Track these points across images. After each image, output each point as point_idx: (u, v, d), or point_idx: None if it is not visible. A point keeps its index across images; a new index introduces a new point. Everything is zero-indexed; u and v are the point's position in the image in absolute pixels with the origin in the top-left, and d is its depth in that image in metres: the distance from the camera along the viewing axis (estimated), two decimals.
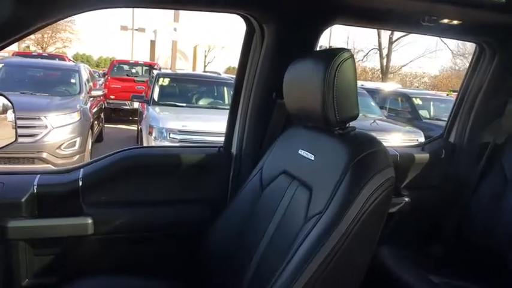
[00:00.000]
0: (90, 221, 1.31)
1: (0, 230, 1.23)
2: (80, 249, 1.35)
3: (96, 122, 6.20)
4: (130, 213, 1.39)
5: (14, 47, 22.34)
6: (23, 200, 1.25)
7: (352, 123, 1.06)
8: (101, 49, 30.44)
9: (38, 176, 1.32)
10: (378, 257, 1.58)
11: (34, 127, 4.59)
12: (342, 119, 1.01)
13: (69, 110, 5.04)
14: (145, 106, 5.99)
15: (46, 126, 4.65)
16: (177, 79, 6.62)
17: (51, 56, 12.51)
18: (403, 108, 8.09)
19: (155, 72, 7.05)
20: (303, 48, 1.31)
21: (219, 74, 8.59)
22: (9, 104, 1.45)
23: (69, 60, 12.80)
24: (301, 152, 1.09)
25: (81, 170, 1.37)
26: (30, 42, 27.05)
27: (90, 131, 5.49)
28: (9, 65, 6.14)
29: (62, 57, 12.63)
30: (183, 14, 14.22)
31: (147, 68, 11.64)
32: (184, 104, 5.88)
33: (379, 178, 0.93)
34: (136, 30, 22.41)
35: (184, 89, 6.50)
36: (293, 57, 1.17)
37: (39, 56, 11.42)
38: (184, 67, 21.06)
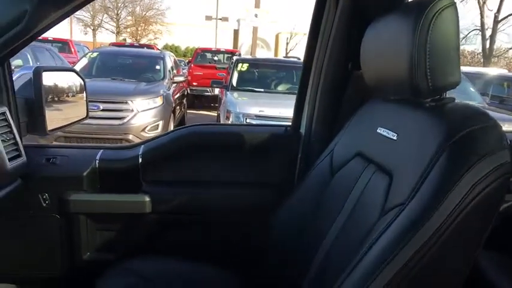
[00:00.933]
0: (148, 199, 1.28)
1: (62, 203, 1.24)
2: (138, 227, 1.31)
3: (178, 107, 6.42)
4: (189, 193, 1.32)
5: (111, 39, 24.49)
6: (85, 174, 1.25)
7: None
8: (188, 40, 31.90)
9: (101, 151, 1.32)
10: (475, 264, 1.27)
11: (121, 110, 4.87)
12: (435, 87, 0.77)
13: (153, 95, 5.25)
14: (224, 92, 6.03)
15: (132, 110, 4.90)
16: (256, 64, 6.54)
17: (141, 46, 13.36)
18: (509, 95, 7.07)
19: (235, 58, 7.05)
20: (386, 6, 1.05)
21: (299, 58, 8.33)
22: (81, 81, 1.45)
23: (157, 49, 13.52)
24: (380, 130, 0.89)
25: (141, 146, 1.33)
26: (126, 35, 29.48)
27: (172, 115, 5.68)
28: (104, 54, 6.63)
29: (150, 46, 13.42)
30: (264, 1, 14.18)
31: (228, 55, 11.83)
32: (262, 90, 5.78)
33: (490, 162, 0.68)
34: (220, 19, 23.00)
35: (263, 75, 6.41)
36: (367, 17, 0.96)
37: (131, 45, 12.25)
38: (266, 56, 21.14)
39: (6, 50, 0.98)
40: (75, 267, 1.29)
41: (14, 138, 1.08)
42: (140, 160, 1.29)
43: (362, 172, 0.92)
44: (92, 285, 1.03)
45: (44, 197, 1.23)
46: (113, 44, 11.80)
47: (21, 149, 1.10)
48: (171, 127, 5.63)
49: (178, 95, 6.47)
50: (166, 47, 31.64)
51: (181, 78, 6.84)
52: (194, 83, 10.06)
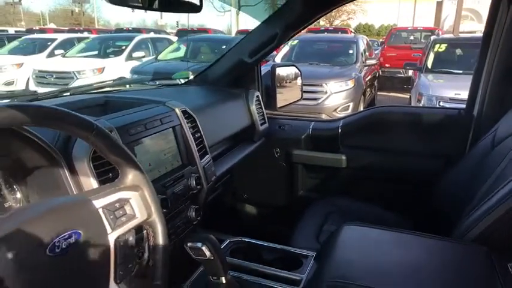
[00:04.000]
0: (344, 157, 1.74)
1: (287, 155, 1.84)
2: (336, 176, 1.80)
3: (368, 89, 6.63)
4: (374, 156, 1.71)
5: None
6: (303, 137, 1.80)
7: None
8: (382, 17, 30.69)
9: (313, 122, 1.84)
10: None
11: (316, 92, 5.44)
12: None
13: (346, 78, 5.64)
14: (417, 73, 5.89)
15: (326, 92, 5.42)
16: (456, 44, 6.08)
17: (335, 29, 13.80)
18: None
19: (432, 37, 6.70)
20: None
21: None
22: (299, 73, 1.98)
23: (351, 32, 13.71)
24: None
25: (341, 120, 1.80)
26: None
27: (362, 97, 5.97)
28: (303, 41, 7.35)
29: (344, 30, 13.71)
30: None
31: (427, 33, 11.06)
32: (460, 71, 5.40)
33: None
34: None
35: (464, 55, 5.91)
36: None
37: (326, 30, 12.84)
38: (475, 29, 18.29)
39: (262, 58, 1.56)
40: (293, 199, 1.87)
41: (263, 112, 1.67)
42: (339, 130, 1.76)
43: None
44: (302, 213, 1.52)
45: (277, 150, 1.84)
46: (309, 30, 12.63)
47: (266, 118, 1.69)
48: (361, 108, 5.92)
49: (369, 77, 6.67)
50: (359, 27, 31.32)
51: (373, 61, 6.99)
52: (387, 65, 9.93)
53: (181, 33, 13.51)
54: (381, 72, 9.00)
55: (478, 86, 1.52)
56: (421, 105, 4.79)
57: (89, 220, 0.55)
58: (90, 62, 7.90)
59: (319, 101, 5.40)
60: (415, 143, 1.64)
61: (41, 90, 5.92)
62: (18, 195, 0.74)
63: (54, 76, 7.40)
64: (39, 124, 0.54)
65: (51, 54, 9.10)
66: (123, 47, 8.50)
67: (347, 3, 1.48)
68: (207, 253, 0.85)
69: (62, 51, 9.08)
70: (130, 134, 0.91)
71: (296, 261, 1.06)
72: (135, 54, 8.29)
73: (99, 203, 0.58)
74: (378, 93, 7.99)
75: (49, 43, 9.46)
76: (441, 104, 4.54)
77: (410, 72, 8.12)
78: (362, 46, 6.94)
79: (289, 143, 1.81)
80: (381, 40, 16.13)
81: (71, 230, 0.51)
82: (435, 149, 1.60)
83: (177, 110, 1.12)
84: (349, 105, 5.50)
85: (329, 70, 5.91)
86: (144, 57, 8.41)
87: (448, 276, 0.80)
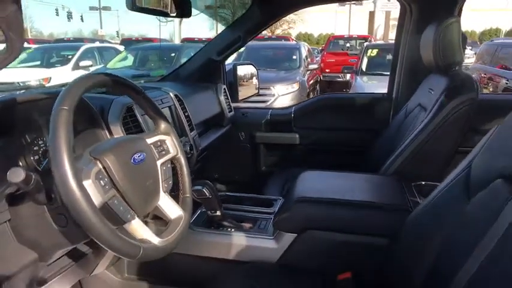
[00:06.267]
0: (297, 136, 2.16)
1: (251, 138, 2.21)
2: (291, 153, 2.20)
3: (311, 93, 7.21)
4: (321, 133, 2.14)
5: None
6: (263, 121, 2.20)
7: None
8: (320, 27, 32.40)
9: (270, 110, 2.25)
10: None
11: (266, 95, 5.87)
12: None
13: (291, 81, 6.14)
14: (354, 76, 6.56)
15: (274, 95, 5.87)
16: (385, 49, 6.85)
17: (278, 38, 14.50)
18: None
19: (365, 44, 7.46)
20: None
21: None
22: (255, 70, 2.36)
23: (292, 40, 14.48)
24: None
25: (293, 107, 2.22)
26: None
27: (306, 99, 6.50)
28: (249, 48, 7.79)
29: (286, 38, 14.44)
30: None
31: (361, 41, 12.04)
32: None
33: None
34: (353, 3, 22.83)
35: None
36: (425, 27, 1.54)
37: (269, 38, 13.47)
38: None
39: (228, 56, 1.91)
40: (257, 174, 2.24)
41: (229, 102, 2.01)
42: (293, 115, 2.18)
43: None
44: (266, 184, 1.87)
45: (241, 134, 2.20)
46: (256, 38, 13.15)
47: (232, 107, 2.03)
48: None
49: (312, 81, 7.26)
50: (299, 36, 32.75)
51: (314, 66, 7.61)
52: (327, 70, 10.66)
53: (126, 42, 13.46)
54: (322, 77, 9.71)
55: (394, 77, 2.00)
56: None
57: (146, 149, 0.85)
58: (35, 72, 7.74)
59: (268, 103, 5.82)
60: (352, 121, 2.09)
61: None
62: None
63: None
64: (113, 87, 0.84)
65: None
66: (69, 56, 8.41)
67: (294, 12, 1.89)
68: (206, 193, 1.18)
69: None
70: None
71: (269, 202, 1.41)
72: (82, 63, 8.24)
73: (149, 141, 0.89)
74: None
75: None
76: None
77: (348, 77, 8.84)
78: (304, 52, 7.53)
79: (251, 127, 2.19)
80: (320, 48, 17.12)
81: (140, 152, 0.81)
82: (367, 124, 2.05)
83: (171, 94, 1.44)
84: None
85: (275, 75, 6.39)
86: (91, 66, 8.38)
87: (373, 193, 1.20)
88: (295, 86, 6.10)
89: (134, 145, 0.82)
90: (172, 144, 0.95)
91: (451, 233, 0.80)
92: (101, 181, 0.70)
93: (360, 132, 2.06)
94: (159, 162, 0.89)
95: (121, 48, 10.29)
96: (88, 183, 0.67)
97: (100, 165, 0.72)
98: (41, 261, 0.84)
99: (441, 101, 1.32)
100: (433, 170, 1.33)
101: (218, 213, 1.23)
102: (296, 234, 1.13)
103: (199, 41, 11.81)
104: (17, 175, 0.66)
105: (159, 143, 0.92)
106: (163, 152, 0.92)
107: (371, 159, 1.78)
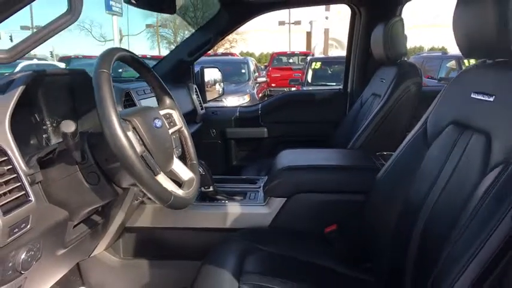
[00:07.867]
0: (265, 129, 2.35)
1: (222, 134, 2.35)
2: (260, 146, 2.35)
3: None
4: (286, 127, 2.33)
5: None
6: (232, 118, 2.38)
7: None
8: (262, 46, 33.40)
9: (238, 107, 2.43)
10: None
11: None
12: None
13: (242, 93, 6.38)
14: (300, 88, 6.95)
15: (226, 106, 6.04)
16: (327, 62, 7.36)
17: (224, 54, 14.83)
18: None
19: (308, 58, 7.93)
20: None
21: None
22: (220, 74, 2.51)
23: (237, 56, 14.87)
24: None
25: (260, 104, 2.41)
26: None
27: None
28: (200, 63, 7.93)
29: (232, 54, 14.82)
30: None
31: (303, 57, 12.71)
32: (334, 84, 6.59)
33: None
34: (293, 23, 23.97)
35: (334, 70, 7.21)
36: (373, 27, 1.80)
37: (215, 55, 13.74)
38: (340, 54, 21.45)
39: (199, 56, 2.04)
40: (228, 168, 2.36)
41: (200, 100, 2.13)
42: (260, 111, 2.35)
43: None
44: (239, 173, 2.00)
45: (213, 131, 2.33)
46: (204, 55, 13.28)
47: (203, 105, 2.15)
48: None
49: (261, 94, 7.56)
50: (242, 55, 33.56)
51: (263, 79, 7.97)
52: (273, 84, 11.11)
53: (66, 60, 13.00)
54: (269, 92, 10.08)
55: (348, 73, 2.26)
56: None
57: (162, 117, 0.96)
58: None
59: None
60: (313, 114, 2.31)
61: None
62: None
63: None
64: (131, 63, 0.95)
65: None
66: (6, 74, 7.94)
67: (258, 16, 2.06)
68: (200, 169, 1.29)
69: None
70: (138, 94, 1.32)
71: (252, 180, 1.54)
72: None
73: (161, 112, 1.00)
74: None
75: None
76: None
77: (293, 89, 9.31)
78: (252, 66, 7.83)
79: (222, 123, 2.34)
80: (264, 65, 17.72)
81: (157, 119, 0.92)
82: (326, 116, 2.28)
83: None
84: None
85: (226, 87, 6.56)
86: None
87: (346, 160, 1.40)
88: (246, 98, 6.33)
89: (154, 112, 0.92)
90: (178, 118, 1.06)
91: (416, 175, 0.98)
92: (136, 136, 0.81)
93: (320, 124, 2.28)
94: (170, 131, 1.00)
95: (61, 65, 9.93)
96: (130, 134, 0.77)
97: (130, 126, 0.82)
98: (70, 220, 0.90)
99: (393, 85, 1.57)
100: (391, 145, 1.56)
101: (211, 188, 1.34)
102: (286, 199, 1.28)
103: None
104: (69, 126, 0.74)
105: (167, 115, 1.03)
106: (172, 124, 1.03)
107: (334, 146, 1.99)
